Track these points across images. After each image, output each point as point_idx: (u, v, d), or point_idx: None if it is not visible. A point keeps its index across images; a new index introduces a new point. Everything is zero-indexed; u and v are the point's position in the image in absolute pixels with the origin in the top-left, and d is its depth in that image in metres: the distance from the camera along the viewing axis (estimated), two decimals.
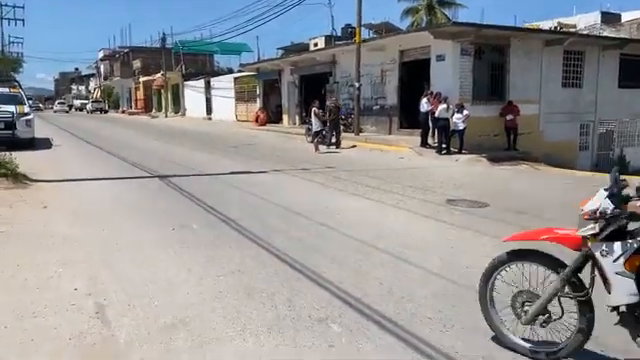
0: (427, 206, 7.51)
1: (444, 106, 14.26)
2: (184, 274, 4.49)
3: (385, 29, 28.10)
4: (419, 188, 8.98)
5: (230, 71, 41.80)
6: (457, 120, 14.40)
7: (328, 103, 18.20)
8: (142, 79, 53.92)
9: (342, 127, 18.06)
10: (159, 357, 3.07)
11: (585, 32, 24.32)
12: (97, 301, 3.86)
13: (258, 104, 29.36)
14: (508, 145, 15.40)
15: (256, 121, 27.66)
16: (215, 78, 38.07)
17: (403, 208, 7.38)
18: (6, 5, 40.27)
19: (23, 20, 41.53)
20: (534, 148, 15.70)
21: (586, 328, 2.88)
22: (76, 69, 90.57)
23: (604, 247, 2.71)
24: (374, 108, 19.21)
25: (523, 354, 3.10)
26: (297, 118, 24.90)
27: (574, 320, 2.94)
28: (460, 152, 14.42)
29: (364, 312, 3.69)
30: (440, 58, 15.63)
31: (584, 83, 17.82)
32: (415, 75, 17.23)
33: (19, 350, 3.11)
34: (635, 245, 2.65)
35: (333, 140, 16.62)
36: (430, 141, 15.31)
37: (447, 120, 14.36)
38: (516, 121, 15.37)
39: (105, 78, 70.46)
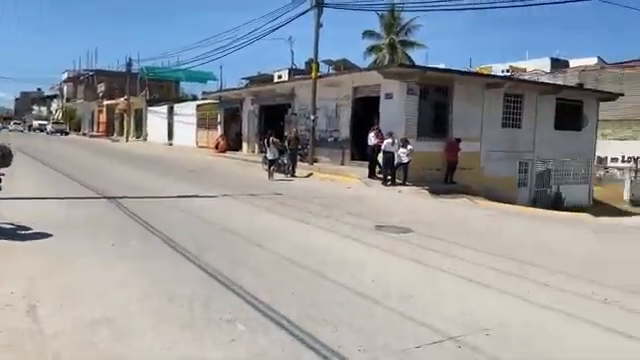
0: (357, 230, 8.17)
1: (389, 140, 15.18)
2: (116, 282, 4.95)
3: (344, 66, 29.42)
4: (356, 215, 9.66)
5: (195, 98, 42.32)
6: (402, 154, 15.32)
7: (287, 133, 18.95)
8: (106, 102, 53.73)
9: (299, 157, 18.81)
10: (79, 345, 3.53)
11: (527, 77, 26.07)
12: (30, 302, 4.28)
13: (219, 131, 29.91)
14: (446, 178, 16.40)
15: (216, 148, 28.15)
16: (178, 105, 38.48)
17: (335, 231, 8.02)
18: None
19: None
20: (475, 183, 16.74)
21: None
22: (38, 89, 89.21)
23: None
24: (329, 140, 20.06)
25: None
26: (256, 146, 25.51)
27: None
28: (404, 184, 15.29)
29: (269, 315, 4.25)
30: (388, 96, 16.66)
31: (523, 124, 19.16)
32: (367, 110, 18.20)
33: None
34: None
35: (290, 169, 17.31)
36: (378, 173, 16.16)
37: (392, 153, 15.26)
38: (457, 157, 16.42)
39: (68, 100, 69.67)
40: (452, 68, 21.81)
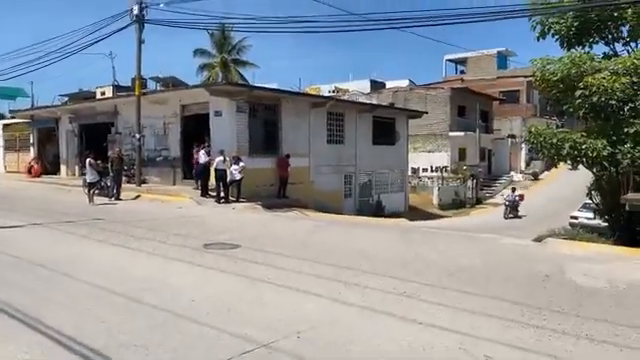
0: (183, 250, 8.00)
1: (221, 158, 15.20)
2: None
3: (172, 83, 28.65)
4: (183, 235, 9.43)
5: (1, 117, 37.20)
6: (234, 171, 15.44)
7: (110, 154, 17.69)
8: None
9: (125, 178, 17.70)
10: None
11: (346, 97, 28.32)
12: None
13: (32, 154, 26.71)
14: (279, 193, 16.99)
15: (29, 172, 25.07)
16: None
17: (158, 254, 7.73)
18: None
19: None
20: (306, 196, 17.61)
21: None
22: None
23: None
24: (158, 159, 19.29)
25: None
26: (77, 169, 23.38)
27: None
28: (238, 200, 15.41)
29: (73, 349, 3.94)
30: (218, 114, 16.68)
31: (345, 140, 20.77)
32: (197, 128, 17.96)
33: None
34: None
35: (114, 191, 16.17)
36: (211, 191, 16.00)
37: (224, 171, 15.29)
38: (287, 172, 17.11)
39: None
40: (282, 88, 22.73)
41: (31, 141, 27.26)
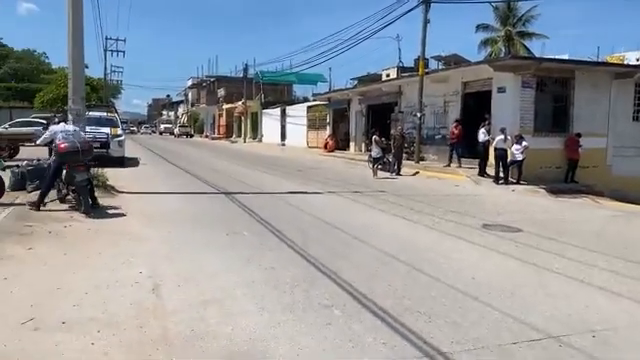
0: (461, 228, 7.99)
1: (501, 137, 14.50)
2: (226, 267, 5.41)
3: (454, 61, 28.49)
4: (460, 213, 9.42)
5: (305, 100, 43.82)
6: (516, 151, 14.56)
7: (392, 132, 18.91)
8: (225, 106, 57.59)
9: (405, 155, 18.68)
10: (193, 320, 3.95)
11: None
12: (155, 282, 4.85)
13: (328, 131, 30.67)
14: (566, 177, 15.26)
15: (325, 147, 28.93)
16: (290, 107, 40.15)
17: (436, 229, 7.92)
18: (110, 39, 45.25)
19: (124, 52, 46.51)
20: (600, 182, 15.39)
21: None
22: (167, 96, 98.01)
23: None
24: (436, 137, 19.66)
25: None
26: (363, 145, 25.77)
27: None
28: (518, 182, 14.53)
29: (364, 303, 4.39)
30: (501, 90, 15.92)
31: None
32: (477, 106, 17.54)
33: (94, 307, 4.12)
34: None
35: (395, 167, 17.27)
36: (489, 170, 15.51)
37: (505, 150, 14.56)
38: (578, 154, 15.22)
39: (192, 105, 75.78)
40: (575, 59, 20.14)
41: (327, 120, 31.33)
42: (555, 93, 16.08)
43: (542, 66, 15.29)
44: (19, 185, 9.41)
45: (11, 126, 22.61)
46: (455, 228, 7.98)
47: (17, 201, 8.62)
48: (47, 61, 64.16)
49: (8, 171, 9.62)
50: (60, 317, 3.85)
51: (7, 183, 9.05)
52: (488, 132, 15.35)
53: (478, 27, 39.92)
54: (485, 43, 40.23)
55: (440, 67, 27.50)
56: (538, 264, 5.88)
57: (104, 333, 3.61)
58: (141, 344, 3.48)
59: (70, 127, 8.68)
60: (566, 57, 23.89)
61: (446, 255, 6.29)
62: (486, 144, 15.31)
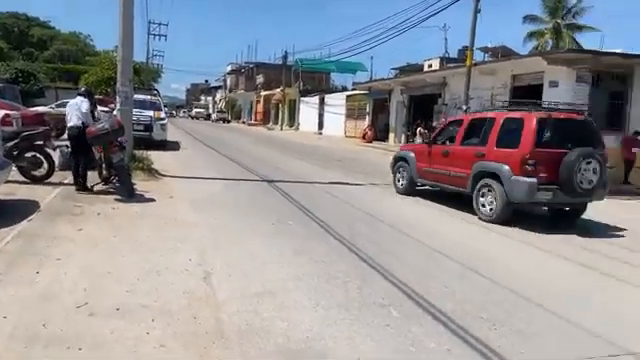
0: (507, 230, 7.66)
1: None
2: (276, 258, 5.28)
3: (501, 53, 27.57)
4: None
5: (344, 89, 43.42)
6: None
7: (435, 124, 18.43)
8: (263, 93, 57.74)
9: None
10: (247, 313, 3.83)
11: None
12: (205, 269, 4.76)
13: (367, 121, 30.28)
14: (625, 178, 14.59)
15: (363, 138, 28.58)
16: (329, 95, 39.81)
17: (477, 224, 7.61)
18: (153, 22, 45.93)
19: (166, 36, 47.20)
20: None
21: None
22: (206, 81, 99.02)
23: None
24: None
25: None
26: (403, 137, 25.32)
27: None
28: None
29: (423, 305, 4.18)
30: (553, 84, 15.24)
31: None
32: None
33: (147, 294, 4.05)
34: None
35: None
36: None
37: None
38: (633, 154, 14.48)
39: (230, 90, 76.35)
40: (634, 53, 19.08)
41: (367, 110, 30.92)
42: (611, 89, 15.28)
43: (601, 60, 14.53)
44: (68, 164, 9.52)
45: (58, 106, 23.12)
46: (501, 228, 7.64)
47: (66, 181, 8.73)
48: (91, 43, 65.84)
49: (58, 150, 9.77)
50: (114, 303, 3.79)
51: (56, 162, 9.18)
52: None
53: (525, 18, 38.49)
54: (531, 35, 38.81)
55: (487, 59, 26.64)
56: (603, 270, 5.55)
57: (158, 322, 3.53)
58: (196, 336, 3.37)
59: (75, 100, 8.70)
60: (621, 51, 22.70)
61: (500, 255, 6.00)
62: None
